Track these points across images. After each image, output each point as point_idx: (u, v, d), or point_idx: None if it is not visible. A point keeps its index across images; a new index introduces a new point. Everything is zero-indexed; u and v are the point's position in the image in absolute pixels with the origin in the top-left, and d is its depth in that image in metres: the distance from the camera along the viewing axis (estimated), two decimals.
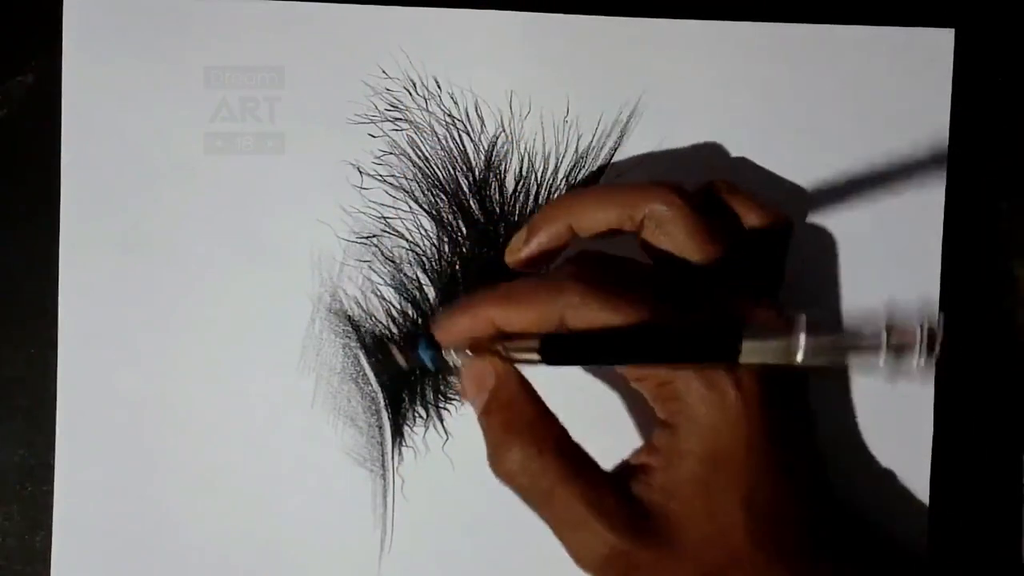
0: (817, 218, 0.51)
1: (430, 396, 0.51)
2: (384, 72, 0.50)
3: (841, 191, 0.51)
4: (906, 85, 0.51)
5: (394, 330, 0.51)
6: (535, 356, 0.42)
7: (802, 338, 0.37)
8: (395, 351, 0.49)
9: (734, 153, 0.51)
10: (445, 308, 0.47)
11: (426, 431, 0.51)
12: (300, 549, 0.51)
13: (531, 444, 0.41)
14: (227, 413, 0.51)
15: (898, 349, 0.36)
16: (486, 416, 0.43)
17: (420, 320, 0.51)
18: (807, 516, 0.42)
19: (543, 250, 0.46)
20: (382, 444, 0.51)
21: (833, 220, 0.51)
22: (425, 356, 0.45)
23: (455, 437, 0.51)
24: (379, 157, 0.51)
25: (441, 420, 0.51)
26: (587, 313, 0.40)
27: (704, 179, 0.49)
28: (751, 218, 0.46)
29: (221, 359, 0.51)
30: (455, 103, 0.51)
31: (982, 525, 0.52)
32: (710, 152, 0.51)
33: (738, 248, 0.45)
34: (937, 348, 0.36)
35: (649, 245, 0.44)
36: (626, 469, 0.43)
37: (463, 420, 0.51)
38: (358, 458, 0.51)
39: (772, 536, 0.41)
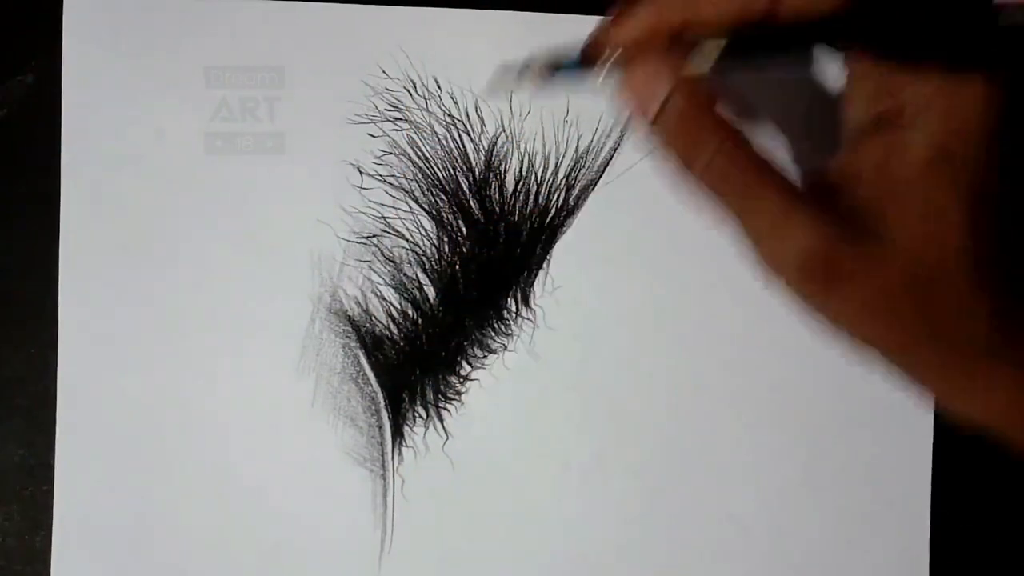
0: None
1: (430, 396, 0.51)
2: (384, 72, 0.50)
3: None
4: None
5: (394, 330, 0.51)
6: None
7: None
8: (536, 70, 0.44)
9: None
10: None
11: (426, 431, 0.52)
12: (300, 549, 0.51)
13: (729, 139, 0.38)
14: (227, 413, 0.51)
15: None
16: (673, 118, 0.39)
17: (420, 320, 0.51)
18: (1016, 227, 0.37)
19: (649, 36, 0.40)
20: (382, 444, 0.51)
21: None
22: (570, 73, 0.42)
23: (455, 437, 0.51)
24: (379, 157, 0.51)
25: (441, 420, 0.51)
26: None
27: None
28: None
29: (221, 359, 0.51)
30: (455, 103, 0.51)
31: (984, 527, 0.52)
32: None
33: None
34: None
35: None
36: (826, 176, 0.39)
37: (463, 420, 0.51)
38: (358, 458, 0.51)
39: (986, 244, 0.37)
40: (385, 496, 0.51)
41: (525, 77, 0.45)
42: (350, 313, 0.51)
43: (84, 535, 0.51)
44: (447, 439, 0.51)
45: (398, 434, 0.51)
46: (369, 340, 0.51)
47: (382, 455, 0.51)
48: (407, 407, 0.51)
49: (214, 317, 0.51)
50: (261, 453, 0.51)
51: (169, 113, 0.51)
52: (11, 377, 0.51)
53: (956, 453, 0.51)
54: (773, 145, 0.49)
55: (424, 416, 0.51)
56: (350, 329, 0.51)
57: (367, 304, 0.51)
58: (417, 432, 0.51)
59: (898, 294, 0.36)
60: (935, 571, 0.52)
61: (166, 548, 0.51)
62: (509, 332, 0.51)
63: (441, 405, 0.51)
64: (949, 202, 0.36)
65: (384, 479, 0.51)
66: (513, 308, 0.51)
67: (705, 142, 0.38)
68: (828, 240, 0.36)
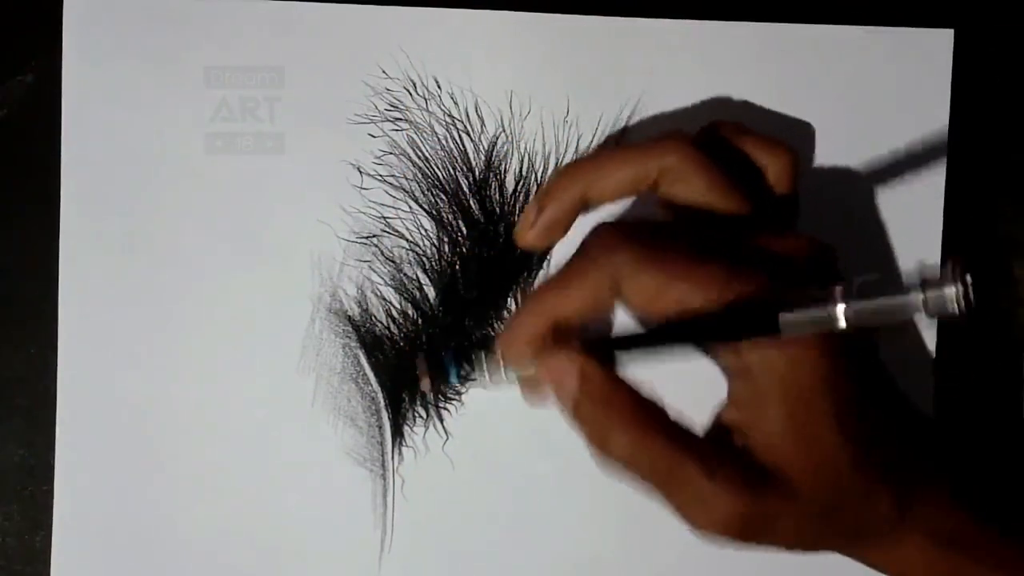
0: (814, 220, 0.50)
1: (430, 397, 0.51)
2: (384, 72, 0.50)
3: (840, 191, 0.51)
4: (905, 85, 0.52)
5: (394, 330, 0.51)
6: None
7: (840, 307, 0.37)
8: (423, 377, 0.47)
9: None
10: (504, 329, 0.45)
11: (426, 431, 0.52)
12: (300, 549, 0.51)
13: (637, 430, 0.41)
14: (227, 413, 0.51)
15: (935, 300, 0.36)
16: (581, 412, 0.42)
17: (420, 320, 0.51)
18: (903, 433, 0.43)
19: (555, 224, 0.45)
20: (382, 444, 0.51)
21: (832, 221, 0.51)
22: (452, 373, 0.46)
23: (455, 437, 0.52)
24: (379, 157, 0.51)
25: (441, 420, 0.51)
26: (641, 279, 0.40)
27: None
28: (759, 155, 0.46)
29: (221, 359, 0.51)
30: (455, 103, 0.51)
31: None
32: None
33: (753, 188, 0.45)
34: (971, 292, 0.36)
35: (669, 201, 0.44)
36: (718, 431, 0.43)
37: (463, 420, 0.51)
38: (358, 458, 0.51)
39: (867, 454, 0.41)
40: (385, 496, 0.51)
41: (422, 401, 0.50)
42: (350, 313, 0.51)
43: (84, 535, 0.51)
44: (447, 439, 0.51)
45: (398, 434, 0.51)
46: (369, 340, 0.51)
47: (382, 455, 0.51)
48: (407, 407, 0.51)
49: (214, 317, 0.51)
50: (261, 453, 0.51)
51: (169, 113, 0.51)
52: (11, 377, 0.51)
53: (955, 452, 0.51)
54: None
55: (424, 416, 0.51)
56: (350, 329, 0.51)
57: (367, 304, 0.51)
58: (417, 432, 0.51)
59: (811, 523, 0.41)
60: None
61: (166, 548, 0.51)
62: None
63: (441, 405, 0.51)
64: (826, 434, 0.40)
65: (384, 479, 0.51)
66: (513, 308, 0.51)
67: (616, 435, 0.41)
68: (744, 504, 0.40)
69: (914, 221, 0.52)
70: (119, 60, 0.51)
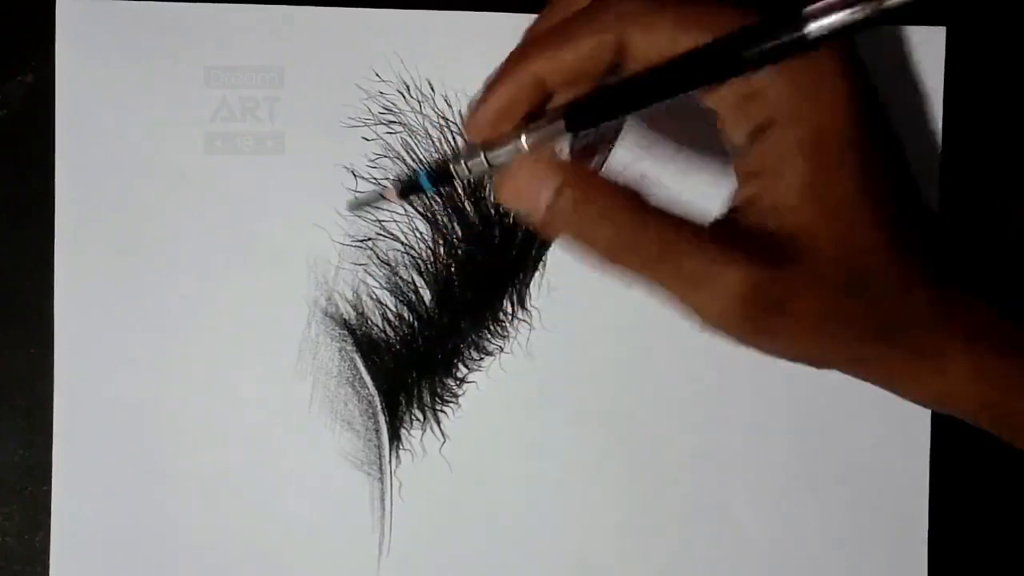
0: None
1: (427, 399, 0.51)
2: (378, 75, 0.50)
3: None
4: (898, 83, 0.52)
5: (390, 333, 0.51)
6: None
7: None
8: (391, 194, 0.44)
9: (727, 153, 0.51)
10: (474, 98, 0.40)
11: (423, 434, 0.52)
12: (298, 552, 0.51)
13: (627, 213, 0.36)
14: (224, 417, 0.51)
15: None
16: (566, 213, 0.37)
17: (416, 323, 0.51)
18: (918, 213, 0.39)
19: (505, 110, 0.39)
20: (379, 447, 0.51)
21: None
22: (422, 176, 0.42)
23: (452, 440, 0.51)
24: (373, 160, 0.51)
25: (438, 423, 0.51)
26: (651, 28, 0.37)
27: (702, 174, 0.48)
28: None
29: (218, 362, 0.51)
30: (449, 106, 0.51)
31: (982, 523, 0.52)
32: (705, 151, 0.51)
33: None
34: None
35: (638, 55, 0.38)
36: (731, 213, 0.39)
37: (460, 423, 0.51)
38: (355, 461, 0.51)
39: (898, 230, 0.37)
40: (383, 499, 0.51)
41: (382, 199, 0.46)
42: (346, 316, 0.51)
43: (82, 536, 0.51)
44: (444, 442, 0.51)
45: (395, 437, 0.51)
46: (365, 343, 0.51)
47: (379, 458, 0.51)
48: (404, 410, 0.51)
49: (210, 320, 0.51)
50: (258, 456, 0.51)
51: (169, 113, 0.51)
52: (11, 377, 0.51)
53: (955, 450, 0.51)
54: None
55: (421, 419, 0.51)
56: (346, 333, 0.51)
57: (363, 307, 0.51)
58: (414, 435, 0.51)
59: (836, 305, 0.37)
60: (933, 569, 0.52)
61: (164, 550, 0.51)
62: (505, 334, 0.51)
63: (438, 408, 0.51)
64: (845, 198, 0.37)
65: (382, 482, 0.51)
66: (509, 310, 0.51)
67: (602, 223, 0.37)
68: (755, 277, 0.36)
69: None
70: (119, 60, 0.51)
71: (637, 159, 0.50)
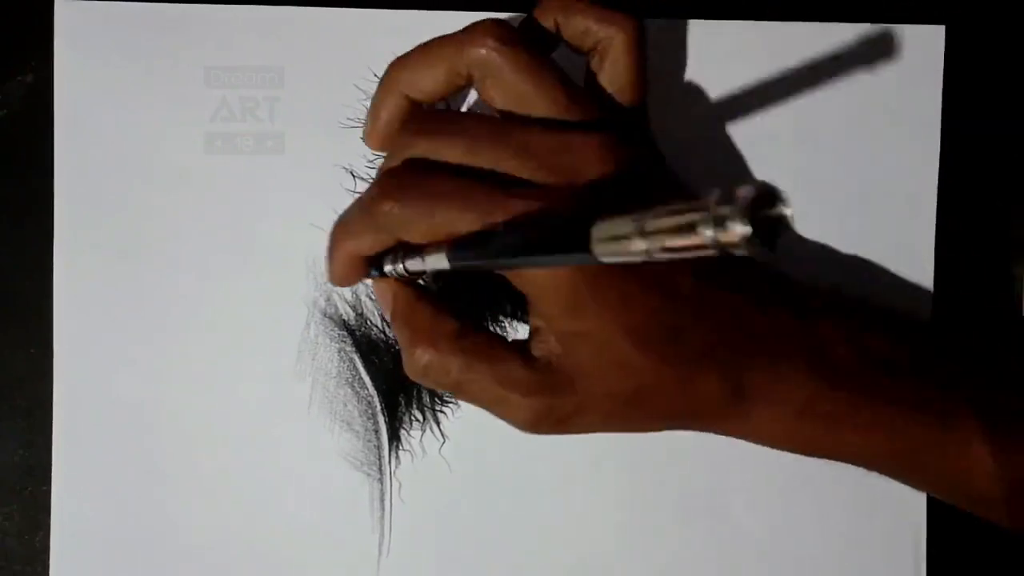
0: (808, 217, 0.51)
1: (426, 400, 0.51)
2: (375, 75, 0.50)
3: (831, 188, 0.52)
4: (897, 82, 0.52)
5: (389, 334, 0.51)
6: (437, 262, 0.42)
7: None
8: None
9: (728, 150, 0.51)
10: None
11: (423, 434, 0.52)
12: (297, 553, 0.51)
13: (432, 346, 0.43)
14: (223, 417, 0.51)
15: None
16: (393, 326, 0.45)
17: None
18: (695, 309, 0.42)
19: (389, 126, 0.45)
20: (379, 448, 0.51)
21: (824, 219, 0.52)
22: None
23: (452, 440, 0.52)
24: (371, 161, 0.51)
25: (438, 423, 0.51)
26: (501, 69, 0.41)
27: (699, 175, 0.48)
28: (595, 32, 0.44)
29: (217, 363, 0.51)
30: (448, 106, 0.51)
31: (982, 523, 0.51)
32: (705, 150, 0.51)
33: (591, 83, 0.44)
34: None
35: (488, 101, 0.43)
36: (528, 335, 0.44)
37: (460, 423, 0.51)
38: (355, 462, 0.51)
39: (668, 352, 0.41)
40: (382, 500, 0.51)
41: None
42: (345, 317, 0.51)
43: (82, 536, 0.51)
44: (444, 442, 0.51)
45: (395, 438, 0.51)
46: (364, 344, 0.51)
47: (379, 459, 0.51)
48: (403, 411, 0.51)
49: (209, 320, 0.51)
50: (257, 457, 0.51)
51: (169, 113, 0.51)
52: (11, 377, 0.51)
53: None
54: None
55: (421, 420, 0.51)
56: (345, 333, 0.51)
57: (362, 308, 0.51)
58: (414, 436, 0.52)
59: (615, 417, 0.43)
60: (932, 567, 0.52)
61: (164, 551, 0.51)
62: (505, 334, 0.51)
63: (437, 408, 0.51)
64: (610, 344, 0.41)
65: (381, 483, 0.51)
66: (508, 310, 0.51)
67: (414, 349, 0.43)
68: (539, 402, 0.42)
69: (907, 217, 0.52)
70: (119, 60, 0.51)
71: None
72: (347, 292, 0.51)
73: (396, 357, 0.51)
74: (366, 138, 0.46)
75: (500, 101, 0.42)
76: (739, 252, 0.26)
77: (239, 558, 0.51)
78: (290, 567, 0.51)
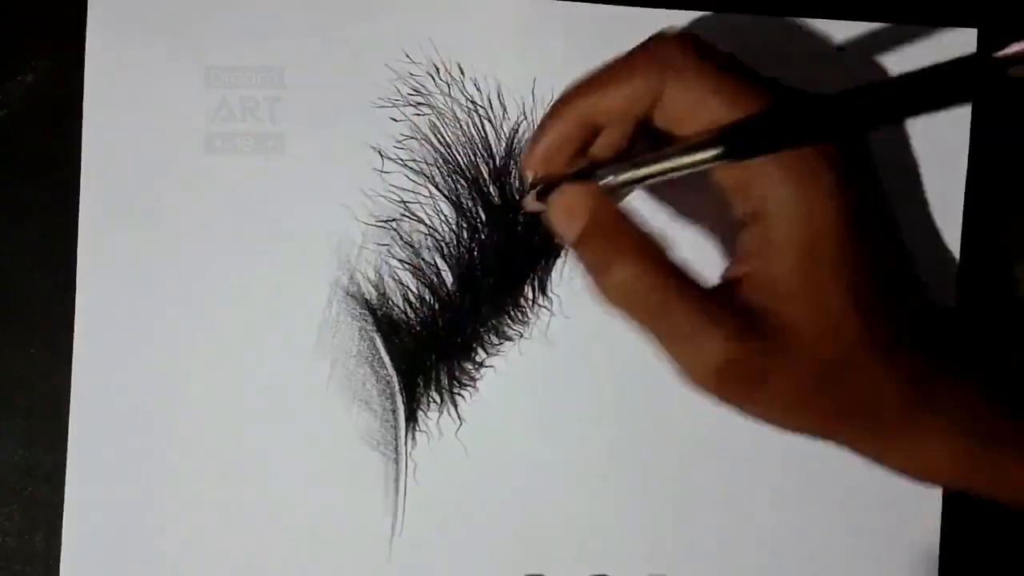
0: None
1: (445, 382, 0.52)
2: (408, 56, 0.51)
3: None
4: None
5: (410, 315, 0.52)
6: (637, 173, 0.40)
7: None
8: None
9: None
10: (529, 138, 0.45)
11: (440, 416, 0.52)
12: (311, 531, 0.52)
13: (640, 261, 0.40)
14: (242, 395, 0.51)
15: None
16: (588, 241, 0.41)
17: (436, 306, 0.52)
18: (909, 304, 0.42)
19: (558, 148, 0.43)
20: (396, 428, 0.52)
21: None
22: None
23: (469, 423, 0.52)
24: (400, 141, 0.51)
25: (455, 406, 0.52)
26: (690, 79, 0.40)
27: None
28: None
29: (237, 341, 0.51)
30: (478, 89, 0.51)
31: (996, 518, 0.53)
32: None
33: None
34: None
35: (667, 119, 0.42)
36: (727, 282, 0.42)
37: (477, 406, 0.52)
38: (371, 442, 0.52)
39: (880, 327, 0.40)
40: (397, 480, 0.52)
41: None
42: (367, 297, 0.51)
43: (97, 519, 0.51)
44: (460, 425, 0.52)
45: (412, 419, 0.52)
46: (385, 324, 0.51)
47: (395, 439, 0.52)
48: (422, 392, 0.52)
49: (231, 300, 0.51)
50: (275, 435, 0.51)
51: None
52: (11, 377, 0.51)
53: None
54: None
55: (438, 401, 0.52)
56: (367, 313, 0.51)
57: (384, 288, 0.51)
58: (431, 417, 0.52)
59: (810, 386, 0.40)
60: (944, 564, 0.53)
61: (178, 528, 0.51)
62: (525, 320, 0.52)
63: (456, 391, 0.52)
64: (829, 295, 0.40)
65: (397, 463, 0.52)
66: (530, 296, 0.52)
67: (616, 266, 0.40)
68: (737, 348, 0.39)
69: (933, 221, 0.52)
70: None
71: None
72: (370, 271, 0.51)
73: (416, 338, 0.52)
74: (524, 164, 0.44)
75: (684, 115, 0.41)
76: None
77: (252, 536, 0.51)
78: (304, 545, 0.52)
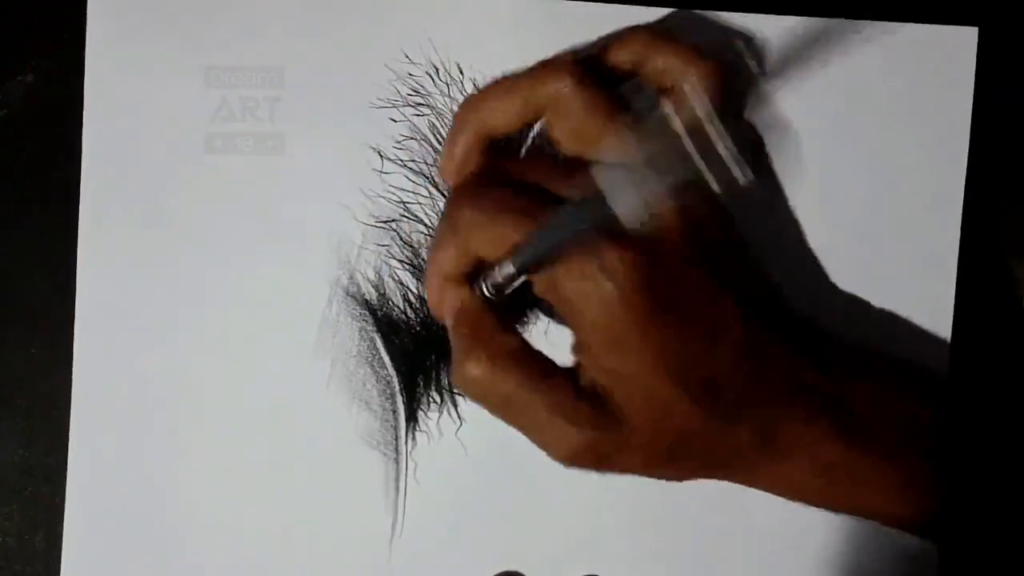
0: (832, 213, 0.52)
1: (445, 382, 0.52)
2: (408, 57, 0.51)
3: (859, 189, 0.52)
4: (928, 83, 0.52)
5: (411, 315, 0.52)
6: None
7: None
8: None
9: None
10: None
11: (440, 416, 0.52)
12: (312, 531, 0.52)
13: (488, 356, 0.43)
14: (242, 395, 0.51)
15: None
16: (452, 331, 0.45)
17: None
18: (736, 360, 0.43)
19: (466, 159, 0.46)
20: (396, 428, 0.52)
21: (850, 218, 0.52)
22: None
23: (469, 423, 0.52)
24: (400, 142, 0.51)
25: (455, 406, 0.52)
26: (571, 104, 0.43)
27: None
28: (673, 72, 0.45)
29: (237, 341, 0.51)
30: (477, 89, 0.51)
31: (993, 514, 0.52)
32: None
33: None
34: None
35: (555, 139, 0.45)
36: (574, 366, 0.44)
37: (477, 407, 0.50)
38: (372, 441, 0.52)
39: (712, 391, 0.42)
40: (397, 480, 0.52)
41: None
42: (367, 296, 0.51)
43: (97, 519, 0.51)
44: (461, 425, 0.52)
45: (412, 419, 0.52)
46: (385, 324, 0.51)
47: (395, 439, 0.52)
48: (422, 392, 0.52)
49: (232, 300, 0.51)
50: (275, 434, 0.51)
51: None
52: (11, 377, 0.51)
53: (966, 443, 0.51)
54: None
55: (438, 401, 0.52)
56: (367, 313, 0.51)
57: (384, 288, 0.51)
58: (431, 417, 0.52)
59: (660, 457, 0.44)
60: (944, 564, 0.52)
61: (178, 526, 0.51)
62: (526, 320, 0.52)
63: (456, 391, 0.52)
64: (649, 382, 0.42)
65: (397, 463, 0.52)
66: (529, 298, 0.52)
67: (470, 358, 0.43)
68: (587, 438, 0.42)
69: (933, 219, 0.52)
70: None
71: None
72: (370, 271, 0.51)
73: (416, 338, 0.52)
74: (441, 171, 0.47)
75: (567, 140, 0.44)
76: None
77: (253, 535, 0.51)
78: (304, 545, 0.52)
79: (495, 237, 0.42)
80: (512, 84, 0.44)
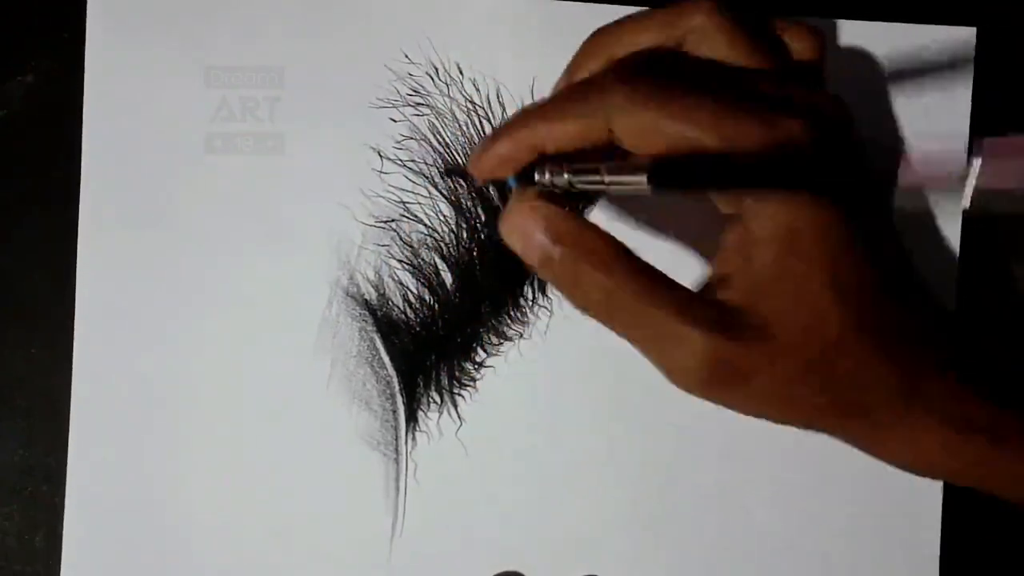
0: None
1: (445, 382, 0.52)
2: (407, 57, 0.51)
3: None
4: (927, 83, 0.52)
5: (410, 315, 0.52)
6: (599, 180, 0.40)
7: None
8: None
9: None
10: (481, 140, 0.44)
11: (440, 416, 0.52)
12: (312, 531, 0.52)
13: (607, 272, 0.39)
14: (242, 395, 0.51)
15: None
16: (548, 263, 0.40)
17: (436, 306, 0.52)
18: (897, 297, 0.40)
19: (502, 165, 0.42)
20: (396, 428, 0.52)
21: None
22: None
23: (468, 423, 0.52)
24: (399, 142, 0.51)
25: (455, 406, 0.52)
26: (635, 115, 0.39)
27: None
28: (785, 35, 0.44)
29: (237, 341, 0.51)
30: (477, 90, 0.51)
31: (997, 519, 0.53)
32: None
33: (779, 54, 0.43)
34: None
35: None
36: (707, 285, 0.41)
37: (477, 407, 0.52)
38: (372, 442, 0.52)
39: (867, 318, 0.39)
40: (398, 480, 0.52)
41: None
42: (367, 297, 0.51)
43: (97, 519, 0.51)
44: (460, 425, 0.52)
45: (412, 419, 0.52)
46: (385, 324, 0.51)
47: (396, 439, 0.52)
48: (422, 392, 0.52)
49: (232, 300, 0.51)
50: (275, 435, 0.51)
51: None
52: (11, 377, 0.51)
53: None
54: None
55: (438, 402, 0.52)
56: (367, 313, 0.51)
57: (384, 288, 0.51)
58: (431, 417, 0.52)
59: (796, 382, 0.39)
60: (945, 563, 0.52)
61: (178, 526, 0.51)
62: (525, 320, 0.52)
63: (455, 391, 0.52)
64: (816, 288, 0.39)
65: (397, 463, 0.52)
66: (530, 296, 0.52)
67: (586, 283, 0.39)
68: (717, 348, 0.38)
69: (934, 221, 0.52)
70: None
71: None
72: (370, 271, 0.51)
73: (416, 338, 0.52)
74: (472, 165, 0.43)
75: (632, 134, 0.40)
76: None
77: (253, 535, 0.51)
78: (303, 545, 0.52)
79: (654, 135, 0.39)
80: (652, 15, 0.42)
